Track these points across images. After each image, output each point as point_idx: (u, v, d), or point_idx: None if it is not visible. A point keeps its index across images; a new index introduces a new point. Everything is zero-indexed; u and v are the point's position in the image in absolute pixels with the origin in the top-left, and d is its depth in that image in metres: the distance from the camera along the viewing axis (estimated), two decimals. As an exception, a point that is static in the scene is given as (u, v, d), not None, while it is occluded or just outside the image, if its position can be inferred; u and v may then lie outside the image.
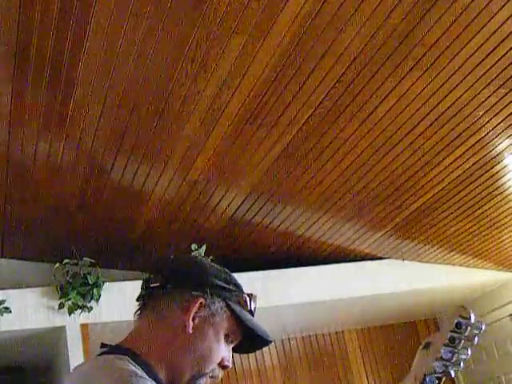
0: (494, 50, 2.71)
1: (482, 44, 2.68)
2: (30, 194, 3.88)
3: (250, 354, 5.62)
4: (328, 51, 2.70)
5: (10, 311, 3.96)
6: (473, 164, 3.62)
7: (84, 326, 4.13)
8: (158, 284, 1.31)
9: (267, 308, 4.54)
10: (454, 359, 1.31)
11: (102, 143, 3.35)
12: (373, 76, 2.87)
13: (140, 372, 1.16)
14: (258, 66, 2.77)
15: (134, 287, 4.92)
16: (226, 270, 1.36)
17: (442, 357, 1.32)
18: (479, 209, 4.17)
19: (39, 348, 4.50)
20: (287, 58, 2.73)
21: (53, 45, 2.57)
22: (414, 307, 5.65)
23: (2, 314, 3.93)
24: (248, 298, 1.35)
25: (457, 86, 2.95)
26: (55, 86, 2.84)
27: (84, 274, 4.15)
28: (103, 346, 1.30)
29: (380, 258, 4.96)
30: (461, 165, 3.63)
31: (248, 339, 1.34)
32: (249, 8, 2.43)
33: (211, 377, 1.29)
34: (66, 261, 4.16)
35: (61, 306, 4.06)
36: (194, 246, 4.32)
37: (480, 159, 3.57)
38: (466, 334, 1.32)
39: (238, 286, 1.35)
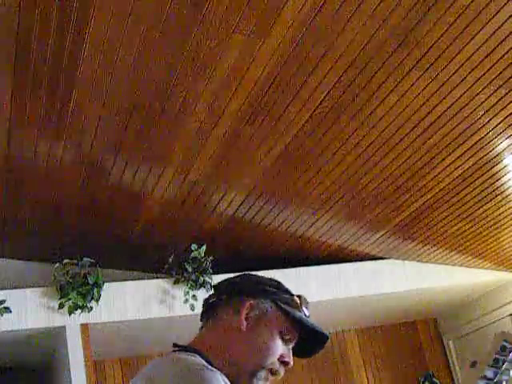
0: (493, 50, 2.71)
1: (482, 44, 2.68)
2: (30, 194, 3.88)
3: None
4: (328, 51, 2.70)
5: (10, 311, 3.96)
6: (473, 164, 3.62)
7: (84, 326, 4.13)
8: (214, 299, 1.48)
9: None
10: (497, 379, 1.40)
11: (102, 144, 3.35)
12: (373, 76, 2.87)
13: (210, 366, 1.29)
14: (258, 66, 2.77)
15: (134, 287, 4.93)
16: (277, 280, 1.53)
17: (485, 376, 1.40)
18: (479, 209, 4.17)
19: (39, 348, 4.50)
20: (287, 58, 2.73)
21: (52, 46, 2.58)
22: (414, 307, 5.64)
23: (1, 314, 3.93)
24: (298, 299, 1.49)
25: (457, 86, 2.95)
26: (55, 86, 2.84)
27: (84, 274, 4.15)
28: (175, 346, 1.42)
29: (380, 258, 4.95)
30: (461, 165, 3.63)
31: (306, 339, 1.46)
32: (249, 8, 2.44)
33: (272, 372, 1.41)
34: (66, 261, 4.16)
35: (61, 306, 4.06)
36: (193, 246, 4.32)
37: (480, 159, 3.57)
38: (510, 357, 1.40)
39: (287, 291, 1.51)
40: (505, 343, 1.40)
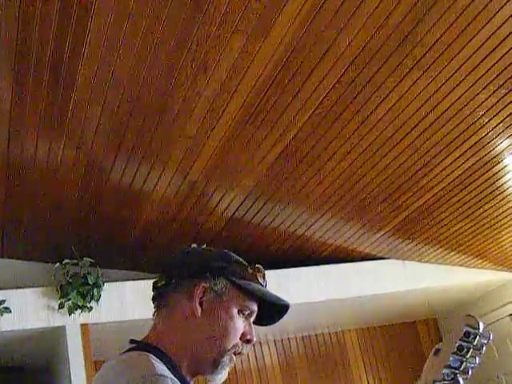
0: (493, 50, 2.71)
1: (482, 44, 2.68)
2: (30, 193, 3.88)
3: (250, 354, 5.62)
4: (328, 51, 2.70)
5: (10, 311, 3.96)
6: (473, 164, 3.62)
7: (84, 326, 4.13)
8: (163, 283, 1.36)
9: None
10: (462, 367, 1.33)
11: (102, 143, 3.35)
12: (373, 76, 2.87)
13: (161, 369, 1.20)
14: (257, 66, 2.77)
15: (133, 287, 4.92)
16: (225, 250, 1.40)
17: (450, 365, 1.33)
18: (479, 209, 4.17)
19: (39, 348, 4.50)
20: (287, 58, 2.73)
21: (53, 45, 2.58)
22: (414, 307, 5.65)
23: (2, 314, 3.93)
24: (252, 269, 1.38)
25: (456, 86, 2.95)
26: (55, 86, 2.84)
27: (84, 274, 4.15)
28: (132, 341, 1.34)
29: (380, 258, 4.96)
30: (461, 165, 3.63)
31: (266, 310, 1.38)
32: (249, 8, 2.43)
33: (235, 353, 1.32)
34: (66, 261, 4.17)
35: (61, 306, 4.07)
36: (193, 246, 4.32)
37: (480, 159, 3.57)
38: (475, 343, 1.33)
39: (240, 263, 1.38)
40: (468, 328, 1.34)
